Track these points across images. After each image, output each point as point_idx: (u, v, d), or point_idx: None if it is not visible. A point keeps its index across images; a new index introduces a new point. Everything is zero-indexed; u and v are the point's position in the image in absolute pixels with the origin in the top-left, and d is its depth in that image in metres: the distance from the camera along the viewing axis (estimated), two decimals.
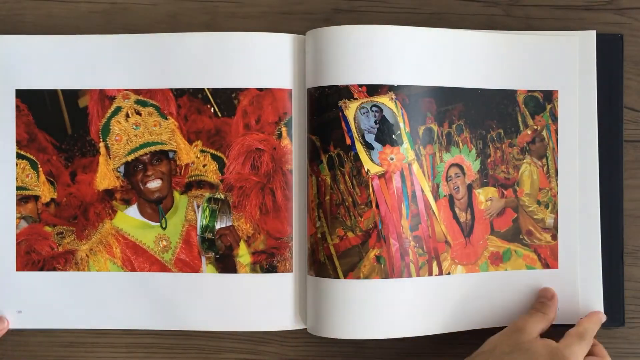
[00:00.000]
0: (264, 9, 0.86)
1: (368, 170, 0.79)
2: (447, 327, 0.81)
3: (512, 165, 0.83)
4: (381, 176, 0.79)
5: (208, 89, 0.82)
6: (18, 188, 0.83)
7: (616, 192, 0.83)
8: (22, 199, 0.83)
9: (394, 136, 0.79)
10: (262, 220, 0.82)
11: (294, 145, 0.82)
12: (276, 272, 0.82)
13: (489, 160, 0.83)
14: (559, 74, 0.83)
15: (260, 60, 0.81)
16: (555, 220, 0.83)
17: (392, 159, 0.79)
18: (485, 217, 0.83)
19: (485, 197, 0.83)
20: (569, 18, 0.86)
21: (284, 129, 0.82)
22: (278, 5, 0.86)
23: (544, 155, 0.83)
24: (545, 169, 0.83)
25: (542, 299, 0.81)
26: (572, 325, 0.79)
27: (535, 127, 0.83)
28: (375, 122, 0.79)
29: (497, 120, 0.82)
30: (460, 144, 0.82)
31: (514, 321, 0.78)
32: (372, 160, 0.79)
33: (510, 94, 0.82)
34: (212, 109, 0.82)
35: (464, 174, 0.82)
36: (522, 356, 0.73)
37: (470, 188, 0.82)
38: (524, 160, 0.83)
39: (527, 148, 0.83)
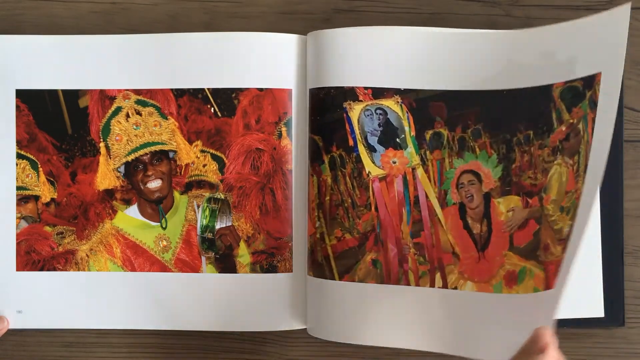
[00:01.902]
0: (264, 9, 0.86)
1: (369, 172, 0.79)
2: (445, 347, 0.75)
3: (541, 168, 0.75)
4: (382, 179, 0.78)
5: (208, 89, 0.82)
6: (18, 188, 0.83)
7: (616, 192, 0.83)
8: (22, 199, 0.83)
9: (397, 139, 0.79)
10: (262, 220, 0.82)
11: (294, 145, 0.82)
12: (276, 272, 0.82)
13: (513, 165, 0.76)
14: (602, 55, 0.71)
15: (260, 60, 0.81)
16: (571, 227, 0.71)
17: (394, 162, 0.78)
18: (505, 230, 0.76)
19: (507, 208, 0.76)
20: (569, 18, 0.86)
21: (283, 129, 0.82)
22: (278, 5, 0.86)
23: (576, 151, 0.74)
24: (575, 167, 0.74)
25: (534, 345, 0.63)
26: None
27: (572, 120, 0.74)
28: (379, 124, 0.78)
29: (527, 120, 0.75)
30: (477, 149, 0.77)
31: None
32: (373, 162, 0.79)
33: (545, 90, 0.74)
34: (212, 109, 0.82)
35: (480, 181, 0.77)
36: None
37: (488, 197, 0.76)
38: (555, 162, 0.74)
39: (560, 147, 0.74)
